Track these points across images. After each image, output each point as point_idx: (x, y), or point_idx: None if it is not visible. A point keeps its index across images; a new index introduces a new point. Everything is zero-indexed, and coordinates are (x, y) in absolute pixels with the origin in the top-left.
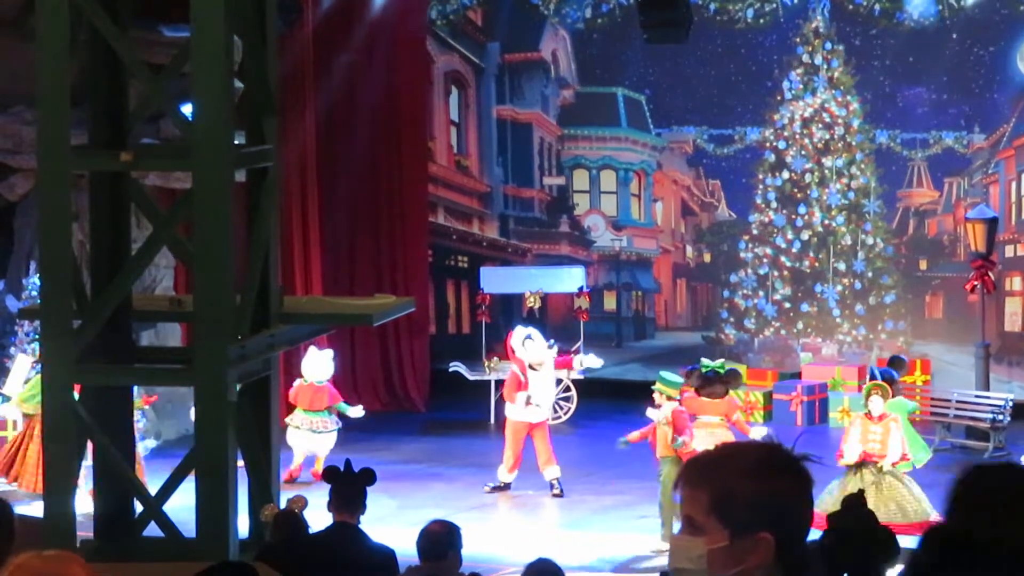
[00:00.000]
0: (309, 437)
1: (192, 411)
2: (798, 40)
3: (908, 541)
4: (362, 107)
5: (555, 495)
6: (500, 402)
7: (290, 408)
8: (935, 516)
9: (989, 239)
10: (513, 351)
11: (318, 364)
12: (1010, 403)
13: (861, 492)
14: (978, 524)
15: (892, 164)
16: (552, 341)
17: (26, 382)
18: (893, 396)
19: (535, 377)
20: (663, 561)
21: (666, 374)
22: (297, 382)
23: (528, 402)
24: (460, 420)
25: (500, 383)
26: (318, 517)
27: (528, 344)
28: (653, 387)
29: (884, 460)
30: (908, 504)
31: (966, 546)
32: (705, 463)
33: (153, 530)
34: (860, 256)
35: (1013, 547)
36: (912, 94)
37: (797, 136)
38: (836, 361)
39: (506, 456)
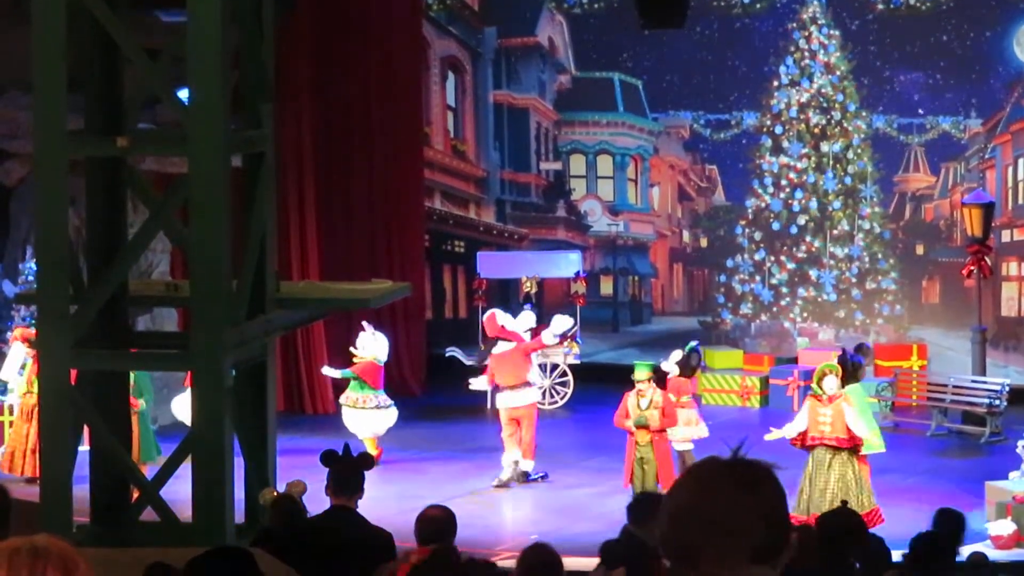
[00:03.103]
0: (372, 415)
1: (176, 399)
2: (794, 25)
3: None
4: (358, 92)
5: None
6: (497, 388)
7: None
8: (875, 506)
9: (985, 224)
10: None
11: (380, 343)
12: (1007, 388)
13: (845, 503)
14: None
15: (888, 149)
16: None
17: (23, 367)
18: (856, 381)
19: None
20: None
21: (639, 363)
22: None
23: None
24: (456, 405)
25: None
26: (316, 501)
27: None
28: (637, 377)
29: (855, 442)
30: (851, 494)
31: None
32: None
33: (150, 515)
34: (857, 241)
35: None
36: (908, 79)
37: (793, 121)
38: (833, 346)
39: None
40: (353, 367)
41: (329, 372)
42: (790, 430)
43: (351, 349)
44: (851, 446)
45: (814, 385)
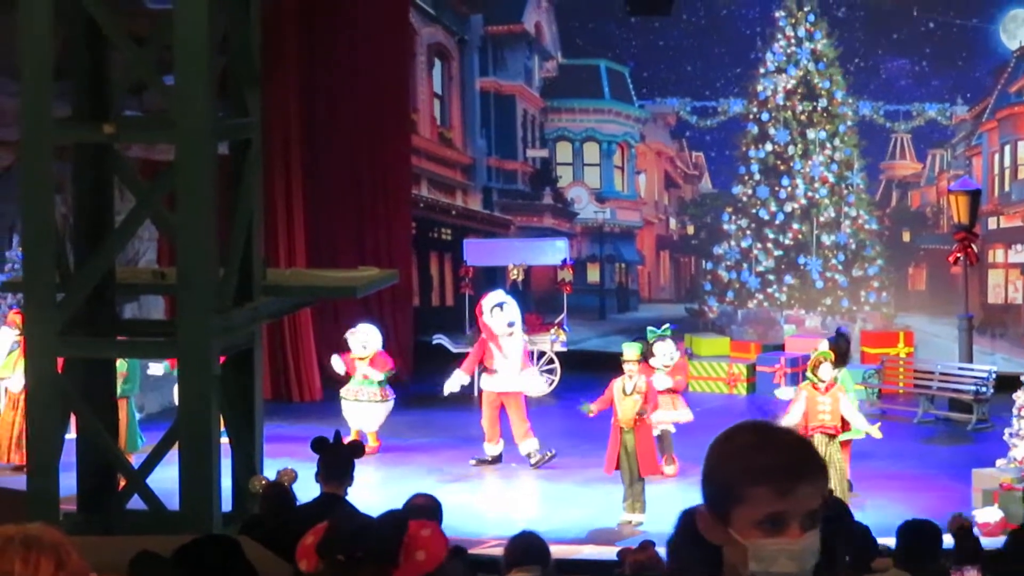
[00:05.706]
0: (378, 407)
1: (176, 384)
2: (781, 12)
3: None
4: (345, 79)
5: (533, 465)
6: (481, 374)
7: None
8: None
9: (972, 211)
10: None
11: (373, 333)
12: (993, 375)
13: (829, 491)
14: None
15: (875, 136)
16: (512, 321)
17: (9, 354)
18: (845, 365)
19: (501, 347)
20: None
21: (628, 344)
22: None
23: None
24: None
25: None
26: (304, 489)
27: (496, 313)
28: (626, 357)
29: (848, 430)
30: (835, 482)
31: None
32: (810, 455)
33: (136, 503)
34: (843, 228)
35: None
36: (895, 66)
37: (780, 108)
38: (819, 333)
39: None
40: (371, 366)
41: (371, 373)
42: (789, 420)
43: (351, 358)
44: (840, 433)
45: (809, 374)
